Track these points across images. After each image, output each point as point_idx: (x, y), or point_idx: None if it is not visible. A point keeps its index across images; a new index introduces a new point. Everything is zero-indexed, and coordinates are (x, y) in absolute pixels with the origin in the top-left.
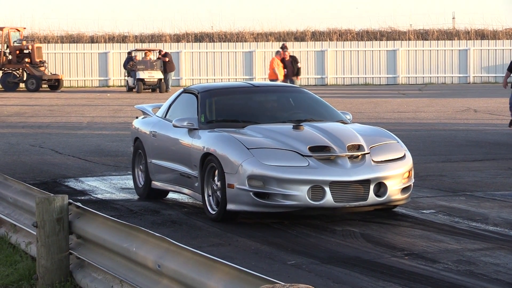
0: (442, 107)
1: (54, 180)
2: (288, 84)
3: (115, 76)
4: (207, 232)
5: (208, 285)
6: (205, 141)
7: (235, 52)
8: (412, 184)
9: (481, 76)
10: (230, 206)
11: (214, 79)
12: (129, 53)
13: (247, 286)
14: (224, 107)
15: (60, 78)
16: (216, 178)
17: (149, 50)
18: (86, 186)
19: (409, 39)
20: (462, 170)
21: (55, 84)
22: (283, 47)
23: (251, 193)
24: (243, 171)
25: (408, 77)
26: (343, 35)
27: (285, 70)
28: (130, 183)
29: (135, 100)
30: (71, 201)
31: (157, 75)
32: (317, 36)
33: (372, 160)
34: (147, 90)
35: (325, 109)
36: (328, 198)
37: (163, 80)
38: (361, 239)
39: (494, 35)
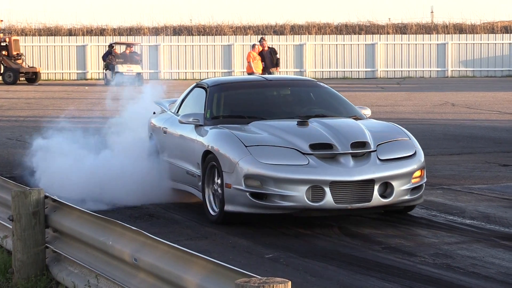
0: (420, 101)
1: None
2: (305, 77)
3: (93, 69)
4: (185, 226)
5: (185, 279)
6: (206, 138)
7: (214, 45)
8: (424, 184)
9: (459, 70)
10: (227, 207)
11: (193, 73)
12: (110, 46)
13: (223, 279)
14: (231, 102)
15: (37, 71)
16: (216, 177)
17: (130, 44)
18: None
19: (388, 33)
20: (439, 164)
21: (32, 77)
22: (261, 41)
23: (247, 194)
24: (240, 170)
25: (387, 71)
26: (322, 29)
27: (263, 63)
28: None
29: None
30: (47, 194)
31: (136, 69)
32: (296, 29)
33: (378, 158)
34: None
35: (340, 104)
36: (328, 199)
37: (141, 74)
38: (339, 232)
39: (472, 29)
